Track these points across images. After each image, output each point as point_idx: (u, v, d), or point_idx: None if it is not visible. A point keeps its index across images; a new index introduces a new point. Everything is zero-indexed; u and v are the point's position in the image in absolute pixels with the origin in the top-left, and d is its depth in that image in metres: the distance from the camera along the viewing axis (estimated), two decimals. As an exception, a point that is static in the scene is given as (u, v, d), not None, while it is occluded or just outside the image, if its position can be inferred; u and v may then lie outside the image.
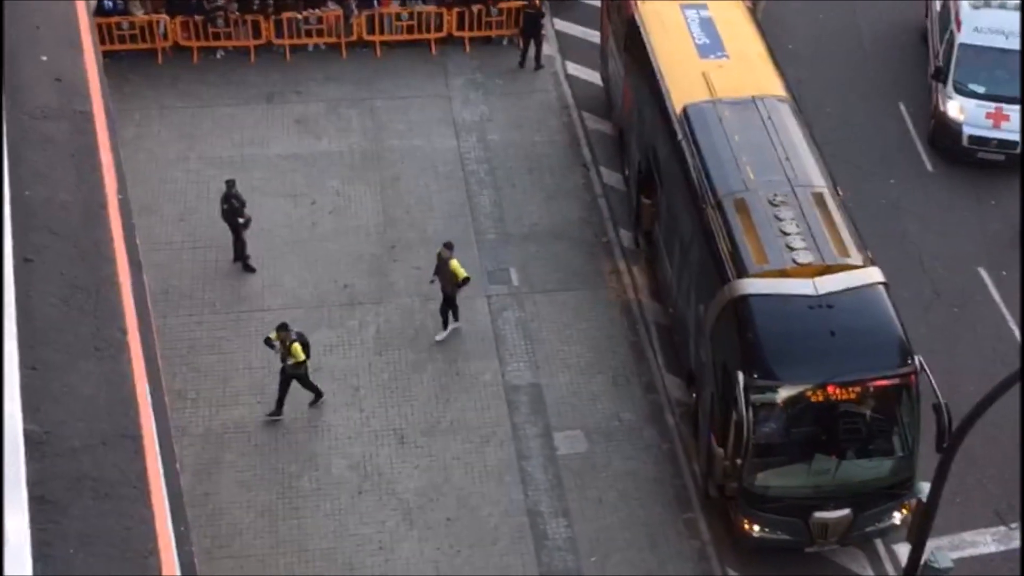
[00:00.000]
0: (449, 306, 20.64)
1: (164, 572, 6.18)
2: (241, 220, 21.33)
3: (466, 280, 20.21)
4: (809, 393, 16.54)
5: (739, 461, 16.68)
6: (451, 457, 19.13)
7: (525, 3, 26.32)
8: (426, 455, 19.15)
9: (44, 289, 7.28)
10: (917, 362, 16.58)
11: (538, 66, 26.65)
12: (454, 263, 20.01)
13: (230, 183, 21.26)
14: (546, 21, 26.88)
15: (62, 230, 7.69)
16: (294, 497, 18.54)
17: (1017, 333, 21.23)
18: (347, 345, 20.67)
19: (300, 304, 21.34)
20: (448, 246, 20.26)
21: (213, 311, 21.13)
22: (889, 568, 17.87)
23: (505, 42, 27.42)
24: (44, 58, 9.18)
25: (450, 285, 20.27)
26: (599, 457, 19.25)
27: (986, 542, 18.23)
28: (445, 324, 20.80)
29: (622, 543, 18.14)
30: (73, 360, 7.00)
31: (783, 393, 16.60)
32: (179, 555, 7.55)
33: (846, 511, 17.04)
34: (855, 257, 17.57)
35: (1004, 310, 21.71)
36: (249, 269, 21.79)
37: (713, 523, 18.33)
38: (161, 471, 6.80)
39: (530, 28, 26.25)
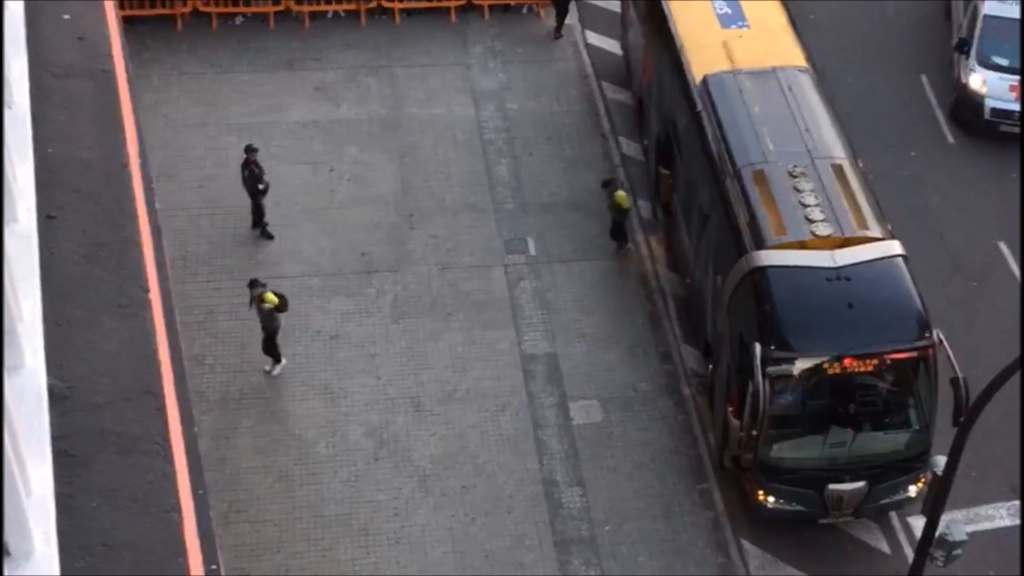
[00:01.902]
0: (271, 342, 19.63)
1: (185, 527, 6.24)
2: (260, 187, 21.34)
3: (280, 308, 19.31)
4: (826, 365, 16.52)
5: (755, 433, 16.69)
6: (467, 425, 19.19)
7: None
8: (442, 423, 19.22)
9: (67, 246, 7.30)
10: (935, 336, 16.52)
11: (558, 35, 26.52)
12: (268, 295, 19.17)
13: (250, 148, 21.25)
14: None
15: (85, 188, 7.71)
16: (311, 463, 18.64)
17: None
18: (364, 313, 20.72)
19: (318, 271, 21.38)
20: (252, 284, 19.32)
21: (231, 278, 21.17)
22: (903, 540, 17.90)
23: (525, 10, 27.29)
24: (66, 16, 9.18)
25: (269, 320, 19.39)
26: (615, 427, 19.29)
27: (1001, 516, 18.22)
28: (278, 358, 19.84)
29: (636, 512, 18.20)
30: (96, 317, 7.04)
31: (800, 365, 16.58)
32: (197, 517, 7.61)
33: (861, 483, 17.05)
34: (874, 229, 17.49)
35: (1024, 285, 21.61)
36: (267, 236, 21.83)
37: (727, 494, 18.37)
38: (181, 429, 6.85)
39: None
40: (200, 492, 8.66)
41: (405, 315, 20.70)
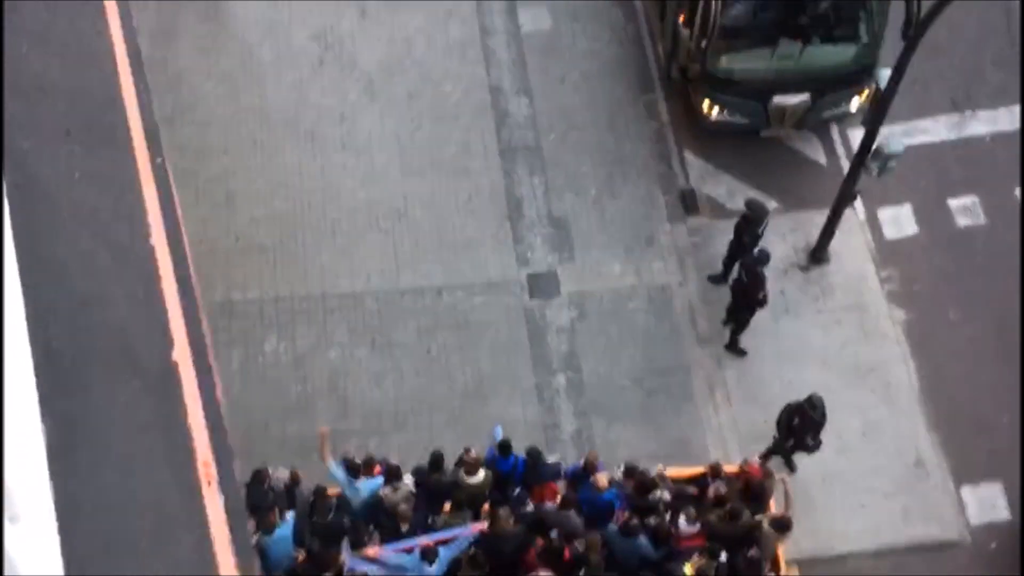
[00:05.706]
0: None
1: (120, 72, 6.12)
2: None
3: None
4: (779, -25, 16.17)
5: (704, 43, 16.57)
6: (414, 30, 18.82)
7: None
8: (388, 27, 18.83)
9: None
10: (893, -58, 16.13)
11: None
12: None
13: None
14: None
15: None
16: (255, 66, 18.38)
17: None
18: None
19: None
20: None
21: None
22: (841, 152, 18.20)
23: None
24: None
25: None
26: (564, 37, 19.03)
27: (938, 129, 18.45)
28: None
29: (581, 122, 18.30)
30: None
31: (753, -26, 16.23)
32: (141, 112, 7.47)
33: (805, 96, 17.16)
34: None
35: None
36: None
37: (672, 105, 18.46)
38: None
39: None
40: (142, 87, 8.43)
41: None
